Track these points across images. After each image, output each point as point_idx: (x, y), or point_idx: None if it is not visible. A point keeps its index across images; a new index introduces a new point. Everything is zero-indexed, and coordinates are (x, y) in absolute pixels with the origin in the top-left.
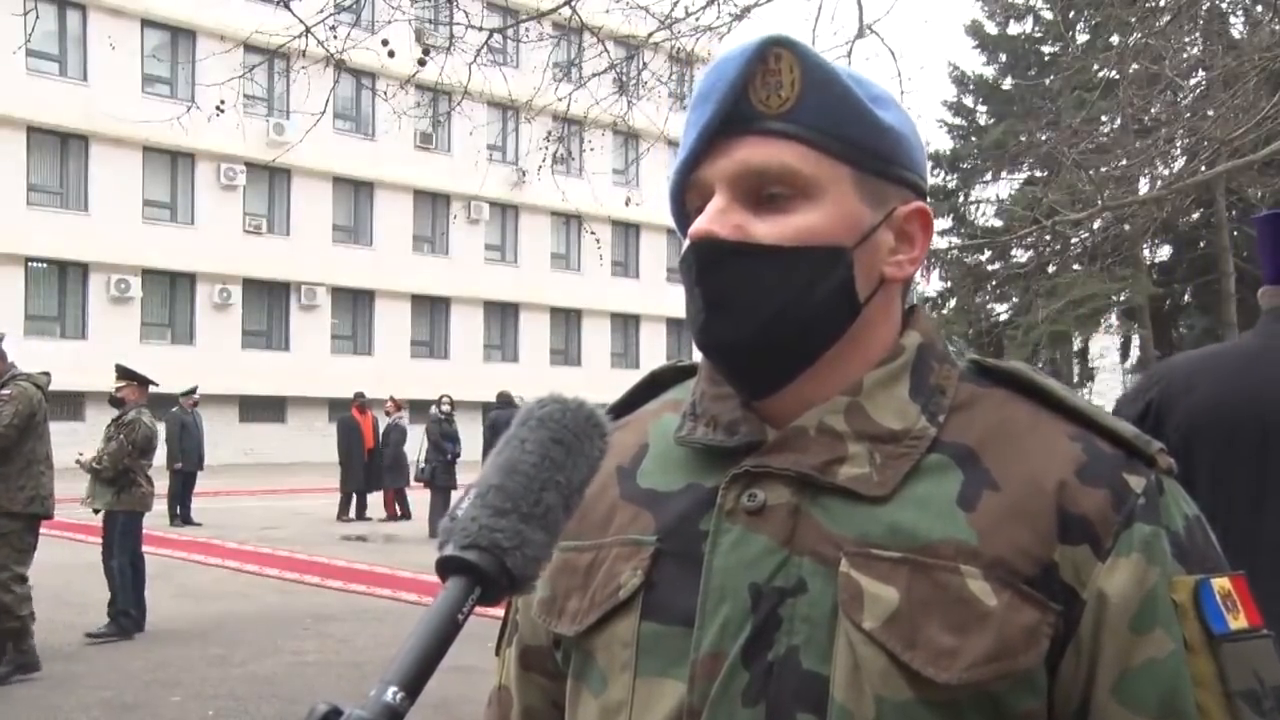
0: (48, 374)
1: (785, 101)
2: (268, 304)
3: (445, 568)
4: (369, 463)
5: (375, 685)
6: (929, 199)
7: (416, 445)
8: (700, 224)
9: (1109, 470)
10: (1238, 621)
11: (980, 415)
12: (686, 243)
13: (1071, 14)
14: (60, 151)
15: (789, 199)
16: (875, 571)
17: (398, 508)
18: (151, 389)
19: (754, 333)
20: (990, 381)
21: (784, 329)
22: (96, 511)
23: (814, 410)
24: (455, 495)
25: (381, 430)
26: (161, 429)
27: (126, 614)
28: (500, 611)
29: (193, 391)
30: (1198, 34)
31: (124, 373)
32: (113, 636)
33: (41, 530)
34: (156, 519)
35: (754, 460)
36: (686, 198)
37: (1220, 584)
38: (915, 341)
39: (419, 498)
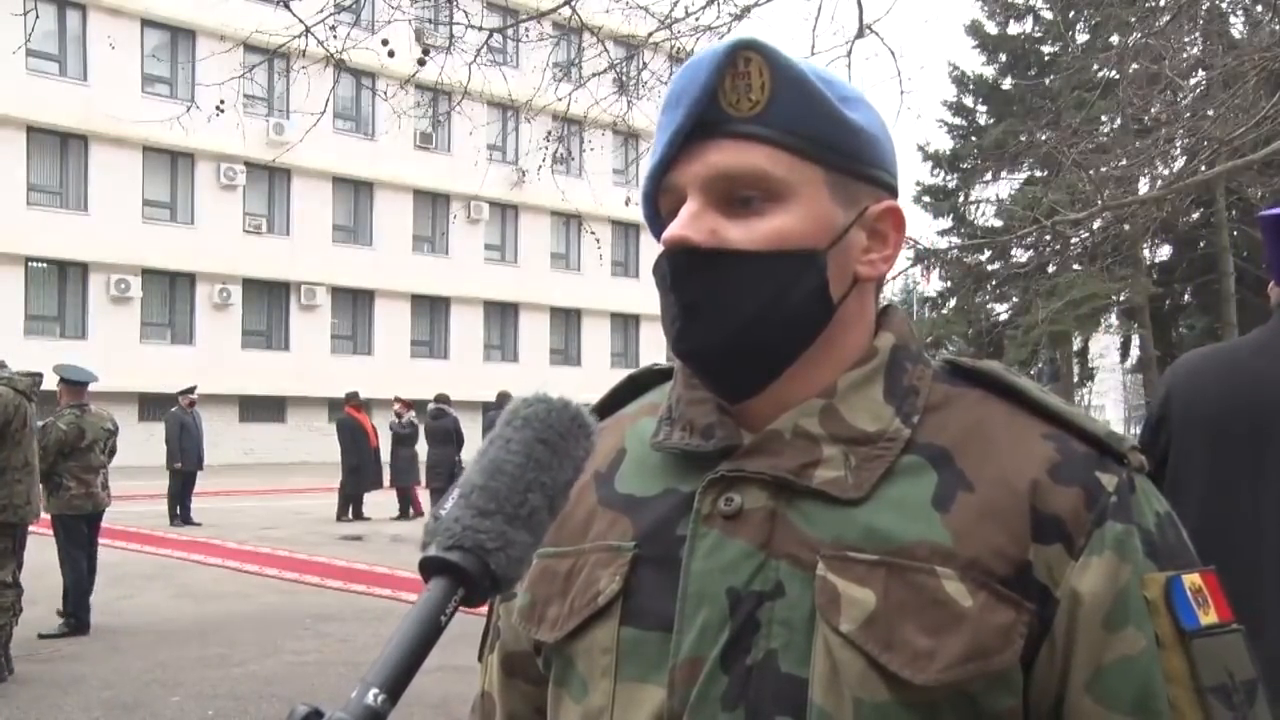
0: (33, 375)
1: (755, 104)
2: (268, 304)
3: (428, 568)
4: (375, 462)
5: (356, 687)
6: (929, 198)
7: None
8: (674, 229)
9: (1081, 469)
10: (1208, 617)
11: (954, 416)
12: (661, 248)
13: (1071, 14)
14: (60, 151)
15: (761, 202)
16: (852, 574)
17: (408, 506)
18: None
19: (730, 338)
20: (964, 382)
21: (760, 333)
22: None
23: (789, 414)
24: None
25: (390, 430)
26: (161, 429)
27: (76, 614)
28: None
29: (190, 391)
30: (1198, 34)
31: (57, 374)
32: (62, 634)
33: (40, 533)
34: (157, 519)
35: (730, 465)
36: (660, 202)
37: (1191, 580)
38: (889, 343)
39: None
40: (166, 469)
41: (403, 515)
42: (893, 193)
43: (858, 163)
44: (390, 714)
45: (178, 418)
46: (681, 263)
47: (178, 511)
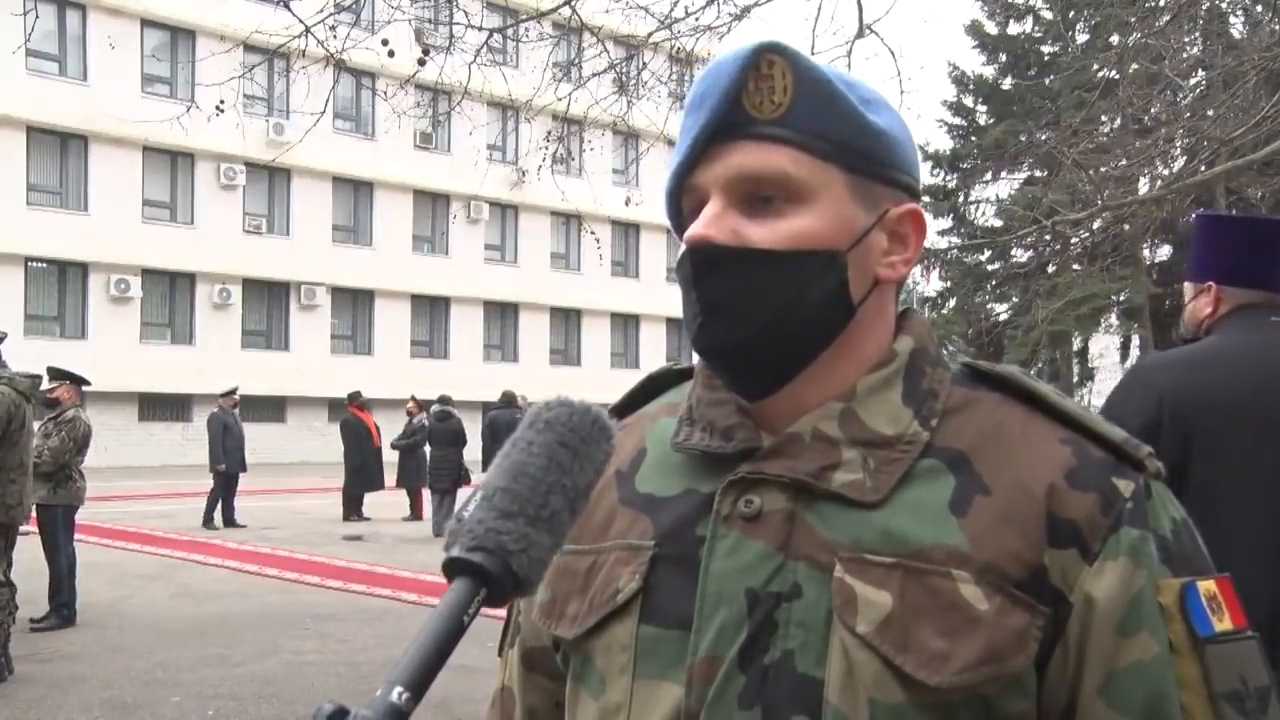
0: (33, 377)
1: (778, 107)
2: (267, 304)
3: (451, 569)
4: (377, 462)
5: (381, 685)
6: (929, 198)
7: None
8: (696, 229)
9: (1098, 474)
10: (1222, 624)
11: (972, 419)
12: (683, 247)
13: (1071, 14)
14: (60, 151)
15: (783, 203)
16: (869, 577)
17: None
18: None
19: (751, 336)
20: (982, 385)
21: (780, 332)
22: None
23: (808, 416)
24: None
25: (401, 429)
26: (160, 429)
27: (70, 605)
28: (501, 612)
29: (233, 392)
30: (1198, 34)
31: (56, 374)
32: (55, 626)
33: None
34: (158, 519)
35: (750, 467)
36: (682, 201)
37: (1206, 587)
38: (908, 346)
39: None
40: (210, 471)
41: (415, 516)
42: (914, 195)
43: (879, 165)
44: (414, 712)
45: (220, 419)
46: (703, 261)
47: (214, 514)
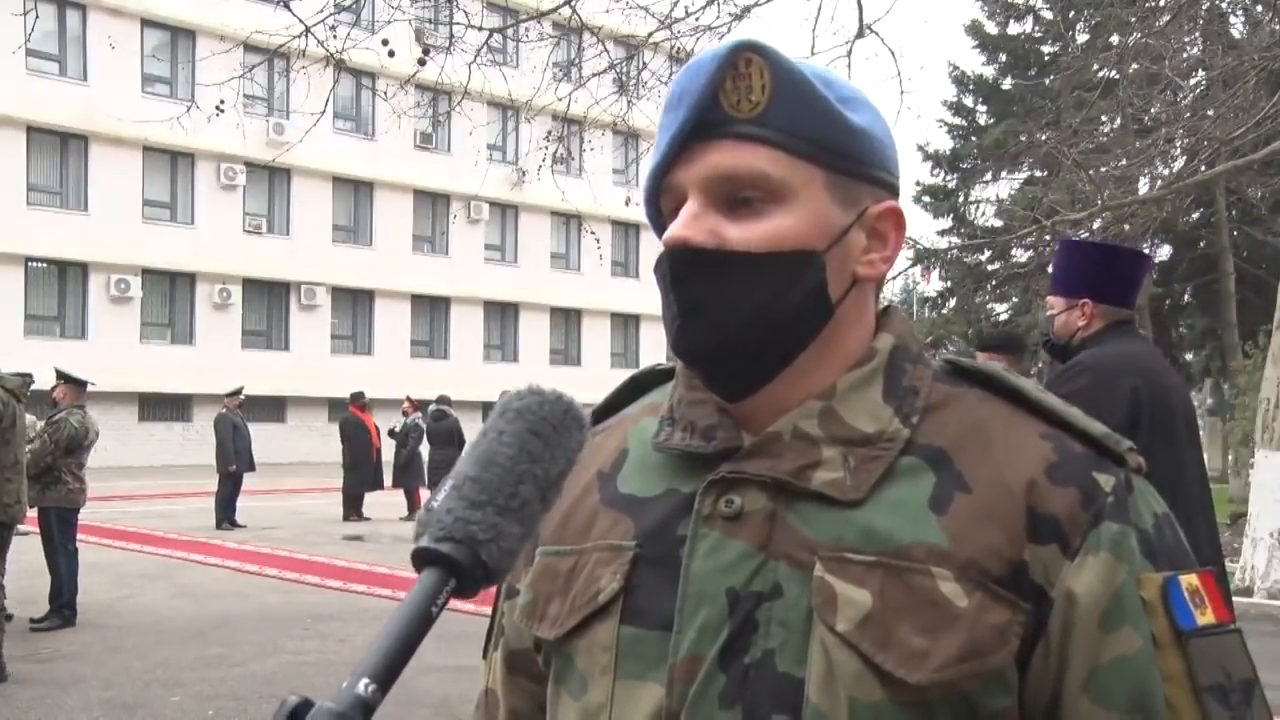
0: (23, 376)
1: (756, 106)
2: (267, 304)
3: (420, 559)
4: (376, 463)
5: (347, 678)
6: (929, 198)
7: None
8: (674, 230)
9: (1078, 469)
10: (1205, 617)
11: (953, 416)
12: (661, 248)
13: (1071, 14)
14: (60, 151)
15: (761, 203)
16: (849, 575)
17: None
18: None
19: (730, 337)
20: (964, 382)
21: (759, 333)
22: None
23: (788, 415)
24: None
25: (398, 429)
26: (160, 429)
27: (70, 605)
28: (489, 610)
29: (238, 392)
30: (1198, 34)
31: (59, 375)
32: (55, 626)
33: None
34: (158, 519)
35: (730, 466)
36: (661, 202)
37: (1188, 581)
38: (888, 344)
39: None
40: (218, 472)
41: (411, 516)
42: (894, 193)
43: (858, 163)
44: (380, 704)
45: (229, 420)
46: (682, 263)
47: (233, 513)
